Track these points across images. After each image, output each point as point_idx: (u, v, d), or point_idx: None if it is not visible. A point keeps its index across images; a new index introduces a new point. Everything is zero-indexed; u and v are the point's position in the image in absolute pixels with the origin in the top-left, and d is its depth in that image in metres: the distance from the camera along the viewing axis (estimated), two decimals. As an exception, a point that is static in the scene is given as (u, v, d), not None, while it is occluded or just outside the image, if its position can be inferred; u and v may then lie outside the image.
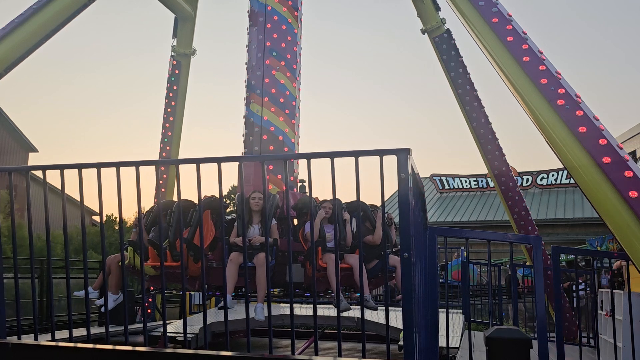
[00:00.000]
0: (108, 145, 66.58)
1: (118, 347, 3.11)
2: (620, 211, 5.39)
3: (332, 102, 74.46)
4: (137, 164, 3.64)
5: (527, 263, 13.63)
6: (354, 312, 8.92)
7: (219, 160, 3.55)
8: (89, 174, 3.73)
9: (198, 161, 3.60)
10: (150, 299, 11.11)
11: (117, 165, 3.65)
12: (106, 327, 3.83)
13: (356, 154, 3.37)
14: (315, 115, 73.29)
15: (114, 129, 68.86)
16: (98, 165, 3.68)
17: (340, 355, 3.35)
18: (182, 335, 7.96)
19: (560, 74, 6.18)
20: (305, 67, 8.29)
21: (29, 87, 61.01)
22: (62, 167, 3.80)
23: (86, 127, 66.55)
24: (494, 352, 3.99)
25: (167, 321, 9.40)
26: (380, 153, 3.32)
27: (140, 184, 3.66)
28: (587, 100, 6.01)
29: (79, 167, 3.74)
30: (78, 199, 3.74)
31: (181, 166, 3.81)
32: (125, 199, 3.75)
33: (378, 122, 79.86)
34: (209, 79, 68.90)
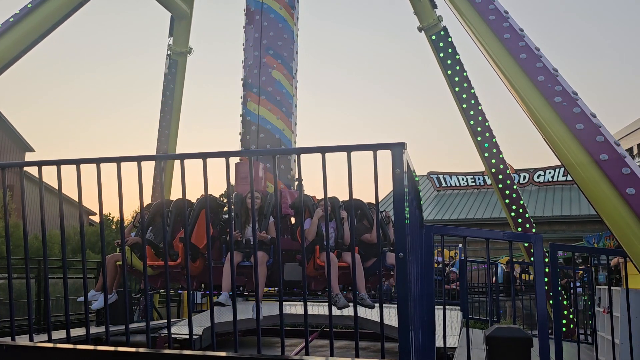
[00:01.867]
0: (106, 145, 66.46)
1: (99, 348, 3.07)
2: (618, 208, 5.38)
3: (330, 102, 74.50)
4: (118, 160, 3.52)
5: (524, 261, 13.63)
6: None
7: (204, 156, 3.41)
8: (73, 171, 3.63)
9: (182, 157, 3.49)
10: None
11: (98, 161, 3.53)
12: (86, 327, 3.77)
13: (348, 149, 3.19)
14: (314, 115, 73.29)
15: (112, 128, 68.74)
16: (77, 162, 3.56)
17: (332, 355, 3.32)
18: (182, 335, 7.99)
19: (557, 71, 6.18)
20: (303, 66, 8.27)
21: (26, 86, 60.85)
22: (39, 164, 3.67)
23: (84, 126, 66.43)
24: (494, 351, 3.97)
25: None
26: (374, 147, 3.12)
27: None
28: (585, 97, 6.01)
29: (58, 163, 3.61)
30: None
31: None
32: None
33: (376, 121, 79.99)
34: (206, 78, 68.84)
